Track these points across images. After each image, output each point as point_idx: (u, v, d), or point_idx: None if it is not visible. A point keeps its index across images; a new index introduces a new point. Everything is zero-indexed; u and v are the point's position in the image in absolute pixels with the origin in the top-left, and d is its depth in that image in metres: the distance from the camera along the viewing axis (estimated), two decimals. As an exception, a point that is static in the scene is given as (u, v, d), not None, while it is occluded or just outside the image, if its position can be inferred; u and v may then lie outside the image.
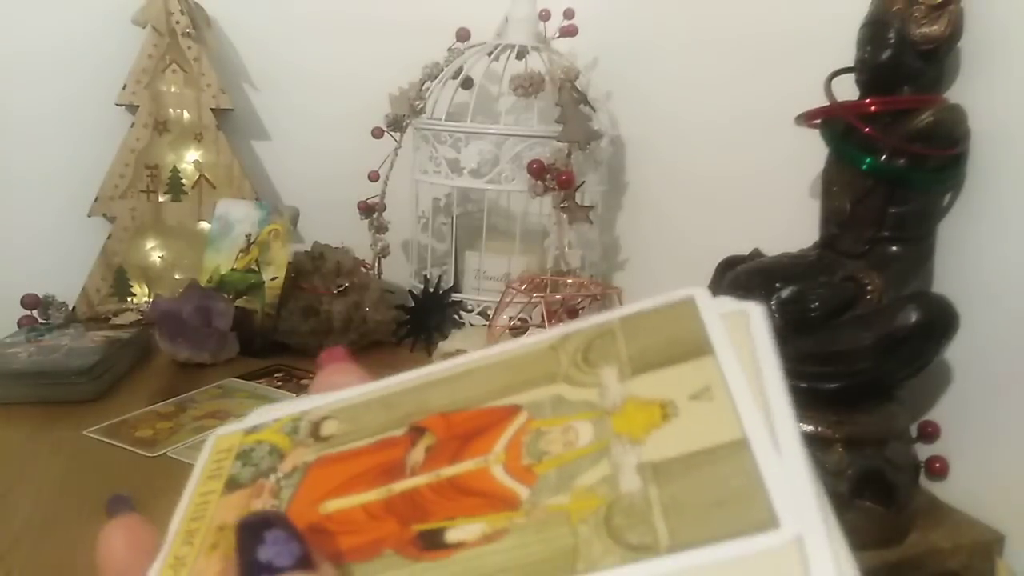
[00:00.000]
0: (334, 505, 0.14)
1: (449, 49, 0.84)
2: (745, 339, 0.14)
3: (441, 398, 0.16)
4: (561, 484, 0.13)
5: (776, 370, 0.14)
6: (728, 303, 0.15)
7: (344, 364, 0.18)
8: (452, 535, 0.13)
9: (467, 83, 0.85)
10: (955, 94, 0.50)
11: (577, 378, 0.15)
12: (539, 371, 0.16)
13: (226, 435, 0.16)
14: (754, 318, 0.15)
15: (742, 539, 0.11)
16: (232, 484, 0.15)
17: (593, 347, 0.16)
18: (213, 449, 0.16)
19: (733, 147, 0.72)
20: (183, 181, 0.88)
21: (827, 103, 0.51)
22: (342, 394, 0.17)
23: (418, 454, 0.15)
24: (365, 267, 0.84)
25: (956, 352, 0.47)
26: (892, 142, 0.48)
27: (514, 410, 0.15)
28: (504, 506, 0.14)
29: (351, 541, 0.14)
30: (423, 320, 0.81)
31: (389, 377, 0.17)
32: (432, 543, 0.13)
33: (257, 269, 0.81)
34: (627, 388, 0.15)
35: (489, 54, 0.82)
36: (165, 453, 0.55)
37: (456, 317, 0.83)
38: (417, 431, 0.16)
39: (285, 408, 0.17)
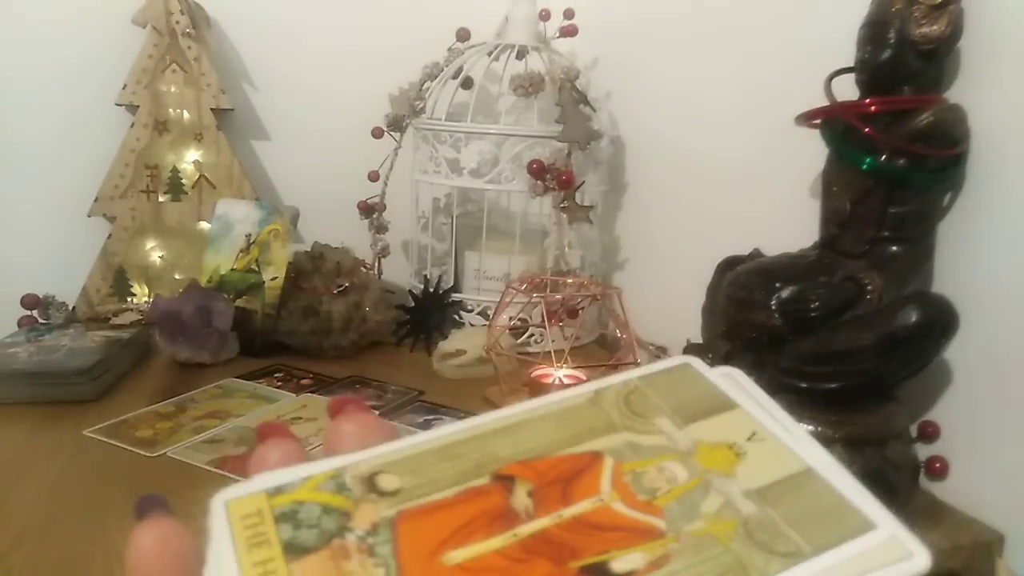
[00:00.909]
0: (461, 555, 0.14)
1: (449, 49, 0.84)
2: (745, 391, 0.18)
3: (506, 448, 0.17)
4: (688, 513, 0.15)
5: (782, 411, 0.17)
6: (716, 370, 0.19)
7: (358, 413, 0.18)
8: (618, 566, 0.14)
9: (467, 83, 0.85)
10: (955, 94, 0.50)
11: (638, 427, 0.17)
12: (596, 421, 0.18)
13: (240, 499, 0.16)
14: (739, 377, 0.18)
15: (860, 538, 0.14)
16: (295, 549, 0.14)
17: (631, 401, 0.18)
18: (232, 515, 0.15)
19: (733, 147, 0.72)
20: (183, 181, 0.88)
21: (827, 103, 0.51)
22: (380, 449, 0.17)
23: (523, 499, 0.16)
24: (365, 267, 0.84)
25: (956, 352, 0.47)
26: (892, 142, 0.48)
27: (597, 456, 0.17)
28: (650, 536, 0.15)
29: None
30: (423, 320, 0.81)
31: (428, 430, 0.17)
32: (602, 574, 0.14)
33: (257, 269, 0.81)
34: (689, 434, 0.17)
35: (489, 54, 0.82)
36: (165, 453, 0.55)
37: (456, 317, 0.83)
38: (506, 479, 0.16)
39: (306, 468, 0.16)
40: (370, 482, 0.16)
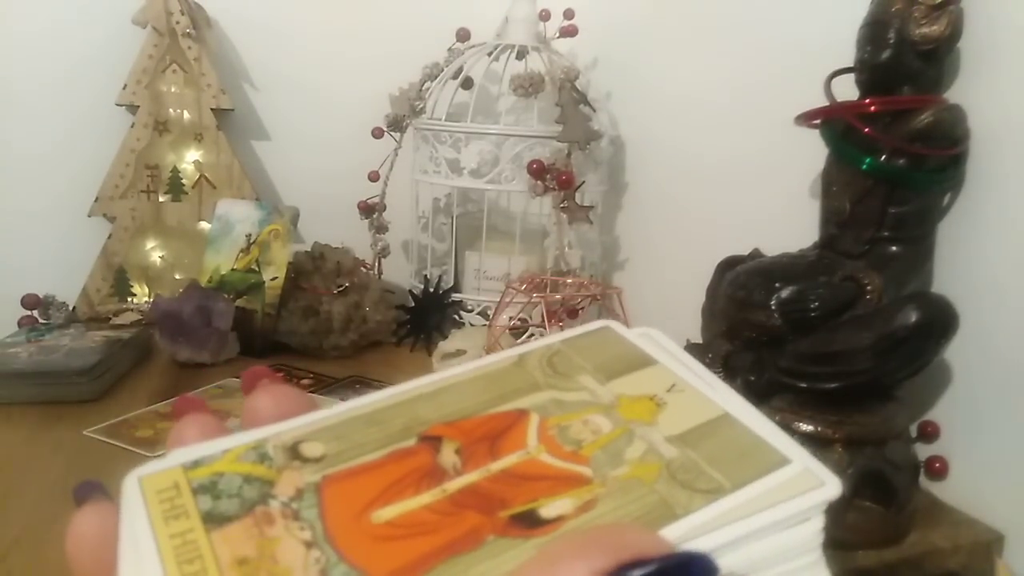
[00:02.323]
0: (389, 512, 0.14)
1: (449, 49, 0.84)
2: (663, 349, 0.19)
3: (432, 411, 0.17)
4: (613, 460, 0.16)
5: (700, 364, 0.18)
6: (634, 330, 0.20)
7: (274, 385, 0.18)
8: (547, 512, 0.14)
9: (467, 83, 0.85)
10: (955, 94, 0.50)
11: (561, 385, 0.18)
12: (520, 383, 0.18)
13: (155, 474, 0.15)
14: (657, 336, 0.19)
15: (776, 472, 0.15)
16: (215, 518, 0.14)
17: (554, 363, 0.19)
18: (146, 491, 0.15)
19: (733, 147, 0.72)
20: (183, 181, 0.88)
21: (827, 103, 0.51)
22: (303, 419, 0.17)
23: (450, 456, 0.16)
24: (365, 267, 0.84)
25: (956, 352, 0.47)
26: (892, 142, 0.48)
27: (523, 413, 0.17)
28: (577, 483, 0.15)
29: (437, 539, 0.14)
30: (423, 320, 0.81)
31: (345, 401, 0.17)
32: (532, 522, 0.14)
33: (257, 269, 0.81)
34: (611, 390, 0.18)
35: (489, 54, 0.82)
36: (165, 453, 0.55)
37: (456, 317, 0.83)
38: (433, 439, 0.16)
39: (225, 441, 0.16)
40: (293, 450, 0.16)
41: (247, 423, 0.17)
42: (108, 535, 0.14)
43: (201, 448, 0.16)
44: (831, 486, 0.15)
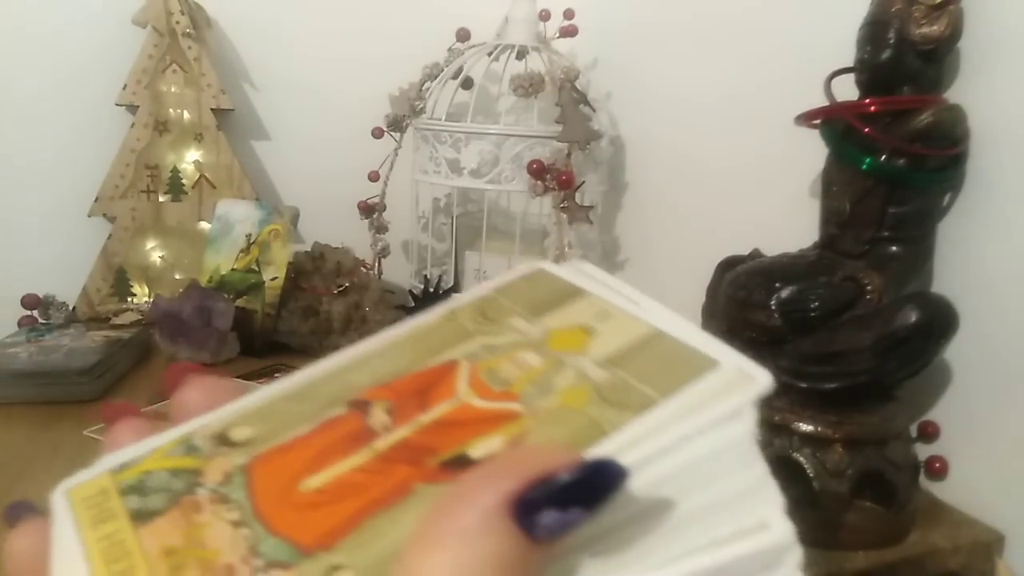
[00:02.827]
0: (317, 480, 0.14)
1: (449, 49, 0.84)
2: (595, 279, 0.19)
3: (363, 378, 0.17)
4: (543, 392, 0.15)
5: (627, 286, 0.18)
6: (565, 265, 0.19)
7: (199, 379, 0.17)
8: (477, 452, 0.14)
9: (467, 83, 0.85)
10: (955, 94, 0.50)
11: (492, 330, 0.18)
12: (451, 336, 0.18)
13: (82, 484, 0.15)
14: (587, 267, 0.19)
15: (705, 376, 0.15)
16: (143, 515, 0.14)
17: (485, 311, 0.18)
18: (74, 501, 0.14)
19: (733, 147, 0.72)
20: (183, 181, 0.88)
21: (827, 103, 0.51)
22: (230, 406, 0.16)
23: (380, 417, 0.15)
24: (365, 267, 0.84)
25: (956, 352, 0.47)
26: (892, 142, 0.48)
27: (452, 363, 0.17)
28: (507, 420, 0.15)
29: (365, 498, 0.14)
30: (423, 320, 0.81)
31: (272, 383, 0.17)
32: (463, 465, 0.14)
33: (257, 269, 0.81)
34: (541, 326, 0.17)
35: (489, 54, 0.82)
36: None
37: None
38: (361, 403, 0.16)
39: (152, 441, 0.16)
40: (221, 437, 0.16)
41: (177, 419, 0.16)
42: (41, 551, 0.14)
43: (129, 451, 0.16)
44: (761, 381, 0.14)
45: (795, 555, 0.14)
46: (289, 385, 0.17)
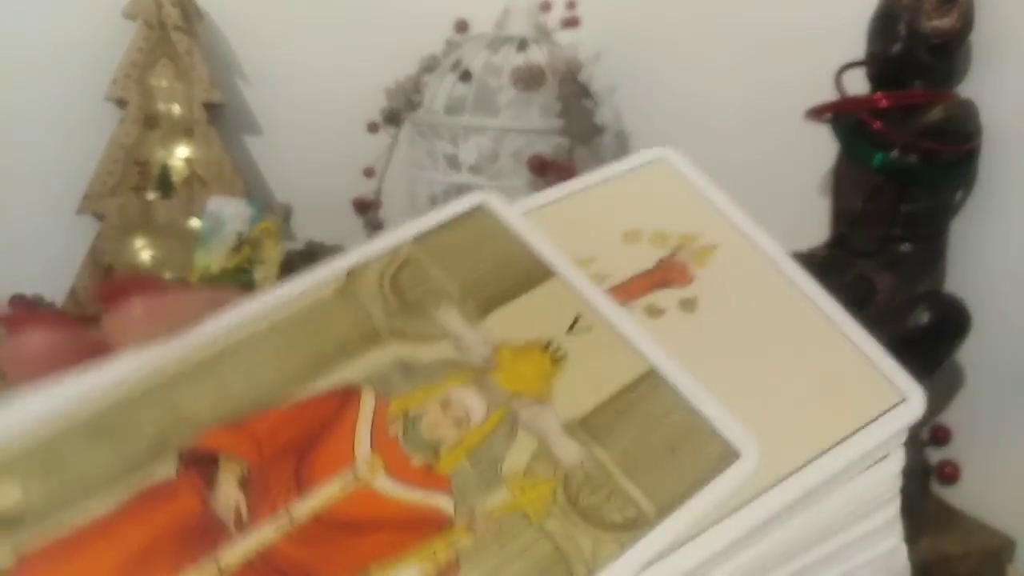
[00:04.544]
0: None
1: (447, 41, 0.83)
2: (565, 237, 0.13)
3: (202, 400, 0.11)
4: (486, 478, 0.10)
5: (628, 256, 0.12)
6: (517, 205, 0.13)
7: (150, 300, 0.12)
8: None
9: (466, 76, 0.83)
10: (966, 89, 0.49)
11: (412, 329, 0.12)
12: (348, 328, 0.12)
13: None
14: (546, 209, 0.13)
15: (718, 480, 0.10)
16: None
17: (401, 284, 0.12)
18: None
19: (740, 143, 0.71)
20: (173, 178, 0.86)
21: (837, 97, 0.50)
22: None
23: (230, 494, 0.10)
24: (361, 265, 0.82)
25: (969, 354, 0.46)
26: (903, 138, 0.47)
27: (348, 393, 0.11)
28: (429, 529, 0.10)
29: None
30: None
31: (76, 379, 0.10)
32: None
33: (248, 268, 0.79)
34: (485, 333, 0.12)
35: (488, 46, 0.81)
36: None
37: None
38: (201, 462, 0.10)
39: None
40: None
41: (116, 345, 0.11)
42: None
43: None
44: (913, 402, 0.10)
45: None
46: (86, 398, 0.10)
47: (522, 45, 0.81)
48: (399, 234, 0.13)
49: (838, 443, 0.10)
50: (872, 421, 0.11)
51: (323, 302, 0.12)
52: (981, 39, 0.48)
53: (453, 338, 0.12)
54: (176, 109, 0.85)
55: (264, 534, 0.10)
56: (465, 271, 0.12)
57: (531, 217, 0.13)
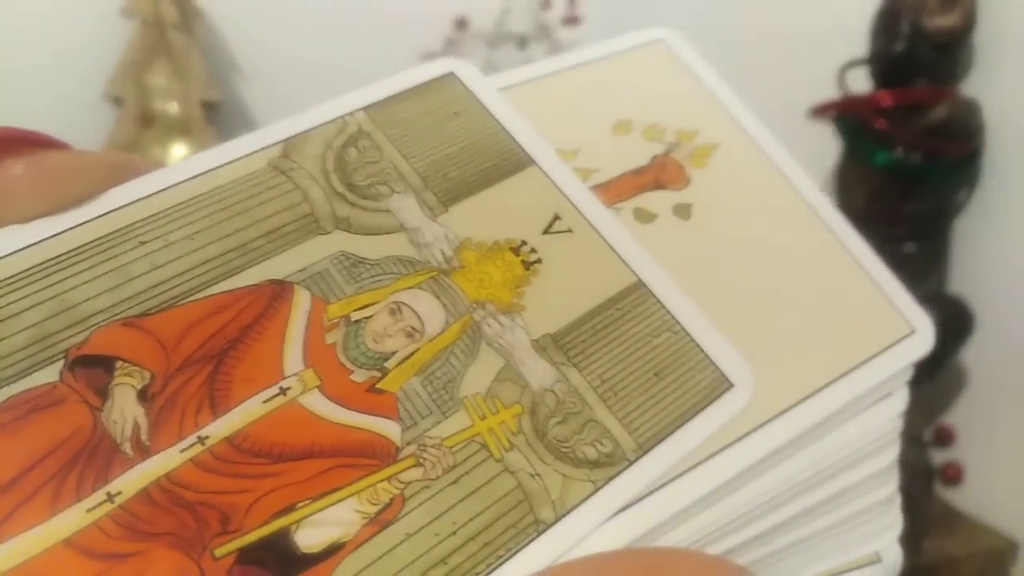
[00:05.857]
0: (5, 559, 0.07)
1: (447, 39, 0.82)
2: (551, 115, 0.10)
3: (96, 289, 0.08)
4: (440, 400, 0.08)
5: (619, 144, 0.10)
6: (495, 78, 0.11)
7: (34, 157, 0.10)
8: (307, 538, 0.07)
9: (464, 75, 0.83)
10: (969, 87, 0.49)
11: (357, 218, 0.09)
12: (279, 212, 0.09)
13: None
14: (525, 86, 0.11)
15: (707, 412, 0.09)
16: None
17: (350, 163, 0.10)
18: None
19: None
20: (172, 176, 0.86)
21: (841, 96, 0.50)
22: None
23: (127, 409, 0.08)
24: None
25: (972, 355, 0.46)
26: (907, 136, 0.47)
27: (278, 290, 0.09)
28: (370, 459, 0.08)
29: None
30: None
31: None
32: (282, 564, 0.07)
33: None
34: (447, 227, 0.10)
35: (488, 44, 0.81)
36: None
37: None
38: (88, 367, 0.08)
39: None
40: None
41: None
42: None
43: None
44: (922, 333, 0.08)
45: None
46: None
47: (522, 43, 0.81)
48: (348, 101, 0.10)
49: (840, 376, 0.09)
50: (878, 354, 0.09)
51: (251, 177, 0.10)
52: (984, 37, 0.48)
53: (408, 232, 0.10)
54: (173, 108, 0.85)
55: (167, 459, 0.08)
56: (426, 152, 0.10)
57: (508, 94, 0.11)
